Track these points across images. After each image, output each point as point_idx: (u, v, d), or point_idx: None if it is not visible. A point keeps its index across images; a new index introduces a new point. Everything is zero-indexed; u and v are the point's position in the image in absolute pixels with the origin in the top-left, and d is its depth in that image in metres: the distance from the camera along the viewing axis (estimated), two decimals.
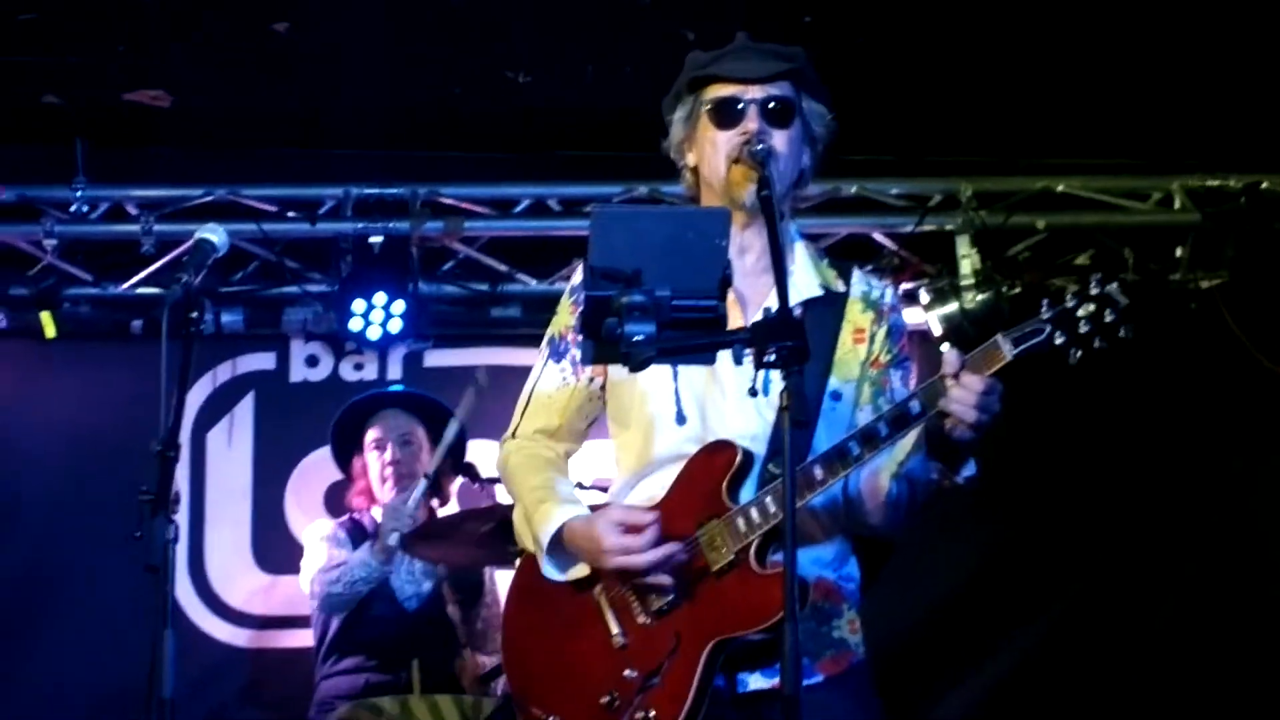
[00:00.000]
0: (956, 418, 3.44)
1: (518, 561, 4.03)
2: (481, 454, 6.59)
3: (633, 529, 3.63)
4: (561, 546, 3.76)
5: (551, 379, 3.95)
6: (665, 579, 3.63)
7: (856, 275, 3.94)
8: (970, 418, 3.43)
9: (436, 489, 6.57)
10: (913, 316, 7.26)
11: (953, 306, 7.17)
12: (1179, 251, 7.41)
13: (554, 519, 3.75)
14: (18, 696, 7.21)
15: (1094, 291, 3.48)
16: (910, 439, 3.64)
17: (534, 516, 3.80)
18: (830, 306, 3.83)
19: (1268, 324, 7.30)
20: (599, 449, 4.04)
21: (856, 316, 3.85)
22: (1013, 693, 7.49)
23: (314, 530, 6.69)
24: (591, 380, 3.92)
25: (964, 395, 3.43)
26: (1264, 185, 7.28)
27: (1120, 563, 7.56)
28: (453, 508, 6.79)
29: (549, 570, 3.79)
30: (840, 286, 3.88)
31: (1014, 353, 3.49)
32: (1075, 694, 7.41)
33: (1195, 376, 7.57)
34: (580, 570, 3.77)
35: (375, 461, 6.65)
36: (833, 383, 3.77)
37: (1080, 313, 3.47)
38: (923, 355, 3.56)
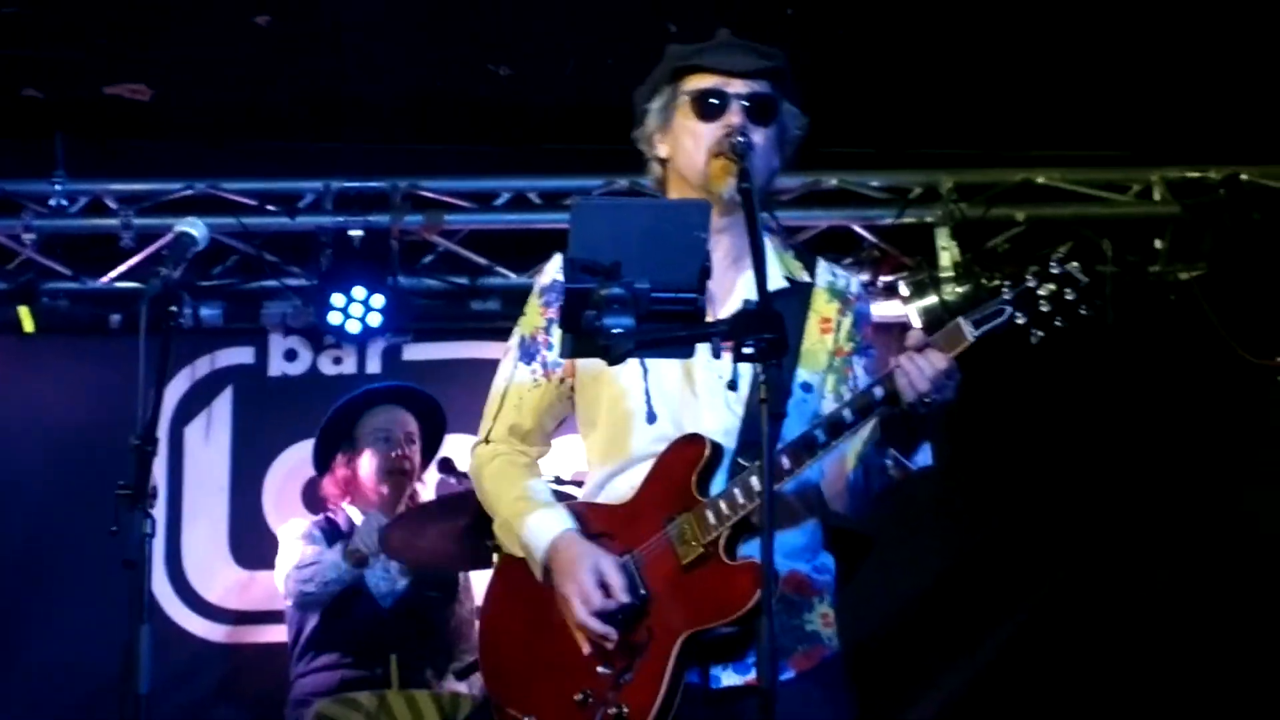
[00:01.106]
0: (905, 387, 3.45)
1: (495, 558, 4.02)
2: (457, 448, 6.59)
3: (604, 588, 3.63)
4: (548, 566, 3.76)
5: (522, 380, 3.94)
6: (601, 636, 3.62)
7: (821, 266, 3.95)
8: (921, 386, 3.43)
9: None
10: (893, 309, 7.29)
11: (932, 299, 7.17)
12: (1158, 243, 7.41)
13: (544, 531, 3.75)
14: None
15: (1054, 271, 3.51)
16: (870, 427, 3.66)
17: (520, 533, 3.80)
18: (796, 297, 3.83)
19: (1246, 316, 7.30)
20: (577, 444, 4.03)
21: (822, 306, 3.86)
22: (990, 686, 7.49)
23: (289, 528, 6.66)
24: (562, 381, 3.91)
25: (915, 368, 3.44)
26: (1243, 177, 7.28)
27: (1099, 556, 7.56)
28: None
29: (544, 575, 3.78)
30: (805, 277, 3.89)
31: (976, 334, 3.50)
32: (1053, 687, 7.41)
33: (1174, 368, 7.58)
34: None
35: (375, 455, 6.61)
36: (802, 374, 3.77)
37: (1041, 292, 3.49)
38: (898, 348, 3.54)
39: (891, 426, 3.55)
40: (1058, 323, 3.49)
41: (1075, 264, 3.51)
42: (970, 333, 3.50)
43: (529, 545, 3.77)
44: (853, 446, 3.70)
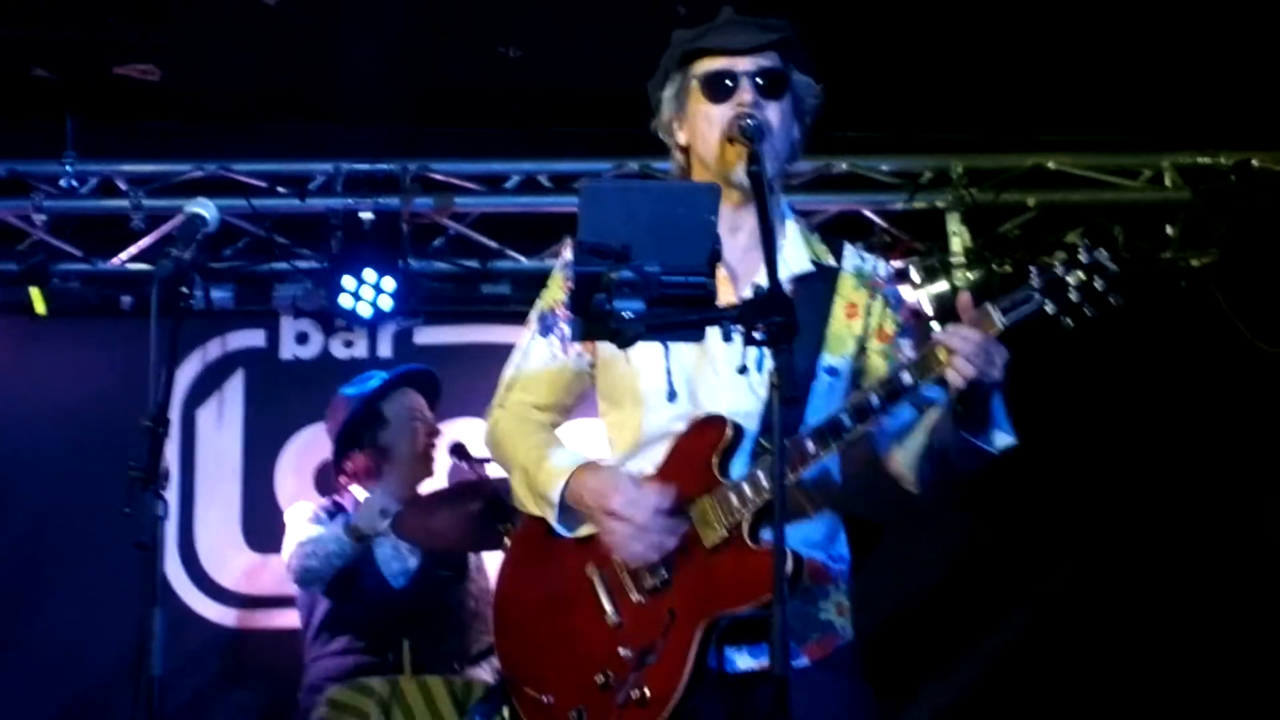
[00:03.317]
0: (954, 362, 3.42)
1: (507, 542, 4.02)
2: (469, 432, 6.59)
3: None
4: (567, 504, 3.74)
5: (540, 354, 3.94)
6: (655, 551, 3.62)
7: (848, 250, 3.93)
8: (969, 371, 3.40)
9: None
10: (904, 294, 7.27)
11: (943, 284, 7.16)
12: (1169, 229, 7.41)
13: (559, 472, 3.74)
14: (6, 673, 7.21)
15: (1083, 259, 3.46)
16: (930, 419, 3.66)
17: (537, 475, 3.78)
18: (822, 282, 3.82)
19: (1258, 302, 7.29)
20: (591, 427, 4.03)
21: (849, 291, 3.85)
22: (1001, 677, 7.48)
23: (296, 511, 6.65)
24: (580, 356, 3.91)
25: (962, 343, 3.41)
26: (1255, 163, 7.26)
27: (1110, 547, 7.54)
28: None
29: (562, 528, 3.77)
30: (831, 262, 3.87)
31: (1005, 321, 3.48)
32: (1065, 679, 7.40)
33: (1185, 355, 7.56)
34: (589, 528, 3.75)
35: (416, 434, 6.62)
36: (826, 358, 3.76)
37: (1070, 280, 3.46)
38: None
39: (954, 411, 3.54)
40: (1087, 311, 3.45)
41: (1104, 251, 3.47)
42: (999, 320, 3.48)
43: (546, 488, 3.74)
44: (917, 442, 3.71)
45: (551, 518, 3.76)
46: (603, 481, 3.67)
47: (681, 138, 3.86)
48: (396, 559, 6.41)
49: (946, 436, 3.60)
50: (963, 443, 3.56)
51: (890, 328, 3.86)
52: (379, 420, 6.63)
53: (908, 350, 3.78)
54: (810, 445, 3.57)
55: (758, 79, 3.72)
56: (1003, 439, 3.60)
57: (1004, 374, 3.47)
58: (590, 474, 3.70)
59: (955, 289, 7.09)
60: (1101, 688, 7.39)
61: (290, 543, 6.43)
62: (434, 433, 6.69)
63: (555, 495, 3.72)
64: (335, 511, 6.52)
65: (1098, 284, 3.45)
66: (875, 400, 3.55)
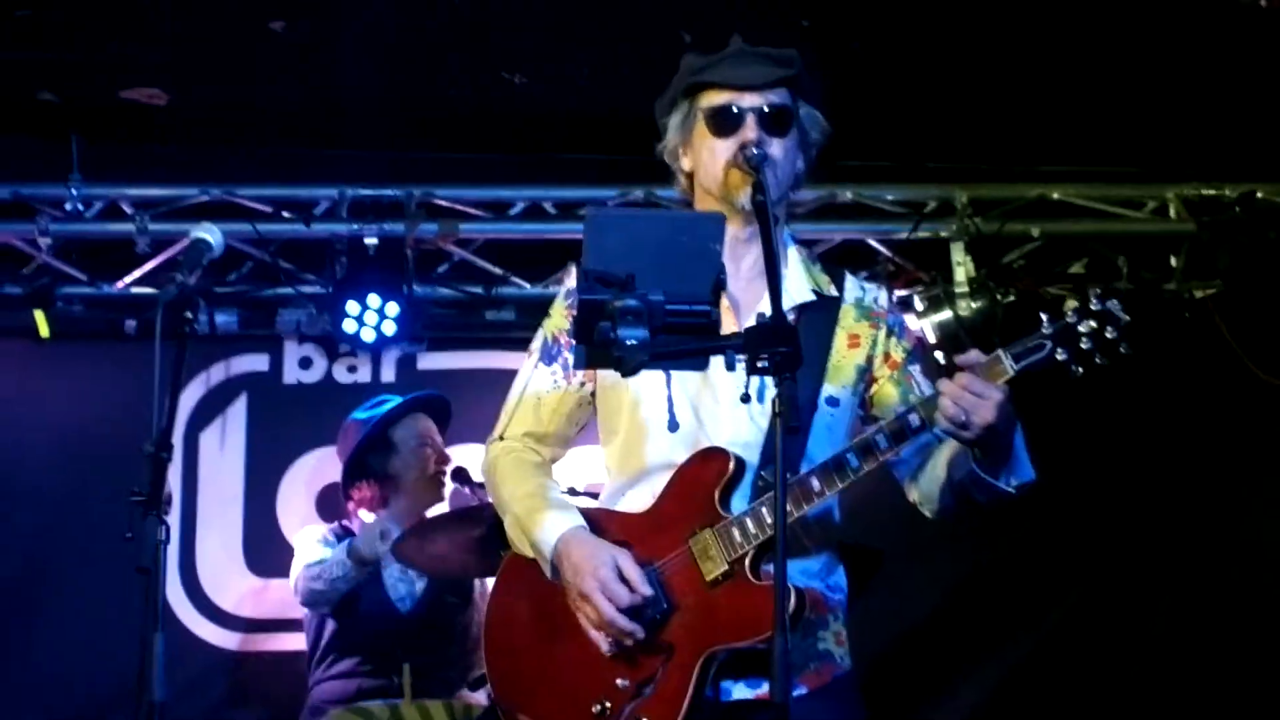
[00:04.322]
0: (943, 412, 3.45)
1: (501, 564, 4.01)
2: (471, 458, 6.58)
3: (626, 583, 3.61)
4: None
5: (542, 382, 3.94)
6: (628, 634, 3.61)
7: (850, 281, 3.93)
8: (949, 412, 3.44)
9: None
10: (907, 324, 7.27)
11: (947, 314, 7.16)
12: (1174, 260, 7.41)
13: (552, 528, 3.74)
14: (7, 697, 7.17)
15: (1095, 307, 3.50)
16: (950, 450, 3.67)
17: (530, 530, 3.78)
18: (823, 311, 3.83)
19: (1262, 334, 7.29)
20: (592, 454, 4.02)
21: (850, 322, 3.85)
22: (1004, 705, 7.47)
23: (305, 534, 6.66)
24: (582, 385, 3.91)
25: (954, 390, 3.45)
26: (1259, 194, 7.27)
27: (1114, 574, 7.54)
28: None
29: (553, 574, 3.76)
30: (833, 291, 3.88)
31: (1016, 368, 3.52)
32: (1066, 705, 7.38)
33: (1189, 386, 7.56)
34: None
35: (426, 461, 6.61)
36: (827, 389, 3.77)
37: (1082, 329, 3.50)
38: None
39: (974, 455, 3.58)
40: (1098, 360, 3.50)
41: (1116, 301, 3.51)
42: (1011, 366, 3.51)
43: (539, 543, 3.75)
44: (934, 478, 3.74)
45: (546, 570, 3.76)
46: (584, 559, 3.65)
47: (686, 164, 3.87)
48: (404, 582, 6.41)
49: (964, 474, 3.63)
50: (979, 480, 3.59)
51: (898, 354, 3.86)
52: (388, 447, 6.63)
53: (918, 375, 3.81)
54: (815, 483, 3.58)
55: (763, 115, 3.73)
56: (1019, 478, 3.63)
57: (1009, 413, 3.48)
58: (576, 546, 3.69)
59: (959, 318, 7.09)
60: (1102, 713, 7.36)
61: (298, 565, 6.43)
62: (444, 460, 6.68)
63: (549, 554, 3.73)
64: (344, 535, 6.51)
65: (1109, 334, 3.49)
66: (882, 441, 3.57)
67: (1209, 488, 7.58)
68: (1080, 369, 3.51)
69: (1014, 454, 3.60)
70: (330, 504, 7.06)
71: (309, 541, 6.52)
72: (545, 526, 3.75)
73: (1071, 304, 3.54)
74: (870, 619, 4.08)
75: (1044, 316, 3.55)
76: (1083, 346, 3.49)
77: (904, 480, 3.88)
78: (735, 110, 3.73)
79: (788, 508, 3.31)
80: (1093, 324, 3.49)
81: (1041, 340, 3.52)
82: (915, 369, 3.83)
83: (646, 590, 3.60)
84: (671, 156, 3.91)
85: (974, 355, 3.55)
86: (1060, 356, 3.50)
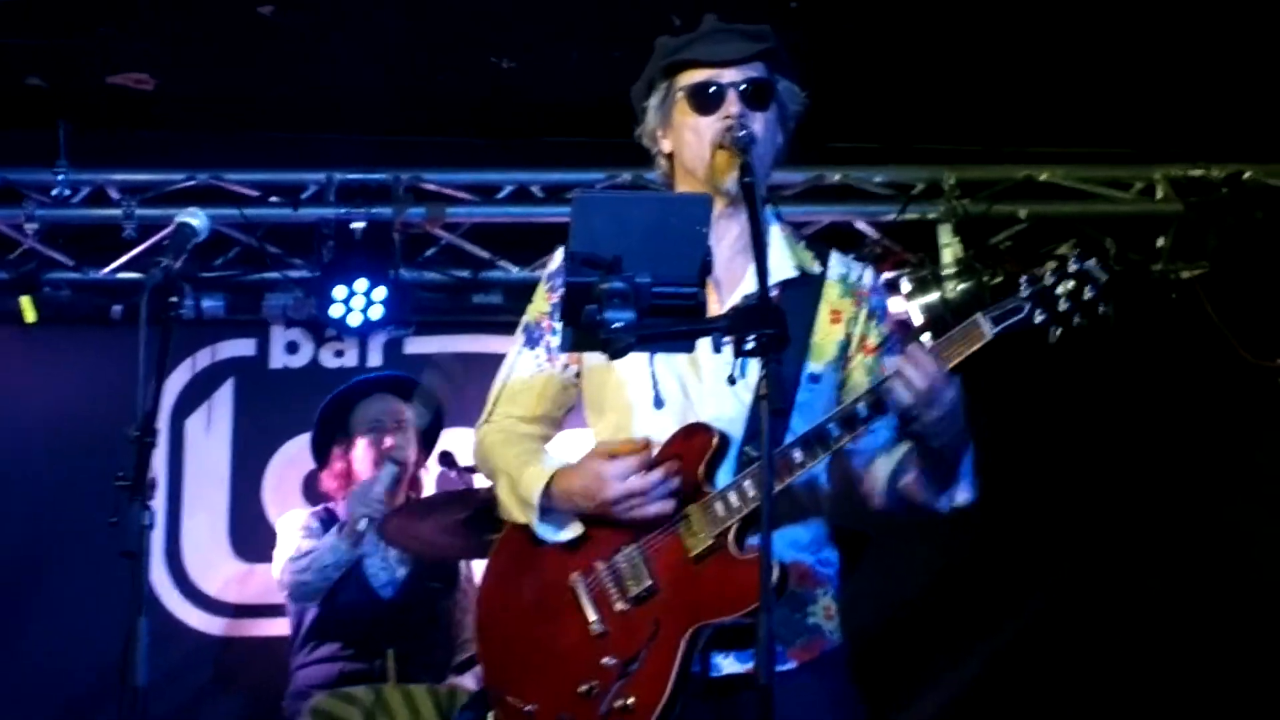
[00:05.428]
0: (900, 391, 3.46)
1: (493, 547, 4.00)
2: (458, 442, 6.58)
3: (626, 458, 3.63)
4: (553, 506, 3.73)
5: (526, 366, 3.94)
6: (668, 505, 3.61)
7: (834, 258, 3.92)
8: (906, 392, 3.44)
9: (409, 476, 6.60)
10: (894, 305, 7.28)
11: (934, 296, 7.16)
12: (1160, 241, 7.40)
13: (542, 476, 3.73)
14: None
15: (1073, 268, 3.49)
16: (903, 451, 3.68)
17: (520, 481, 3.77)
18: (806, 288, 3.82)
19: (1248, 315, 7.30)
20: (578, 438, 4.02)
21: (834, 299, 3.84)
22: (994, 683, 7.48)
23: (288, 520, 6.65)
24: (566, 367, 3.91)
25: (907, 365, 3.46)
26: (1246, 175, 7.28)
27: (1100, 555, 7.55)
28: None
29: (544, 531, 3.75)
30: (816, 268, 3.86)
31: (994, 331, 3.50)
32: (1055, 685, 7.41)
33: (1175, 367, 7.57)
34: (574, 529, 3.74)
35: (368, 446, 6.61)
36: (810, 366, 3.76)
37: (1059, 290, 3.48)
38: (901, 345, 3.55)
39: (921, 456, 3.59)
40: (1077, 320, 3.48)
41: (1094, 261, 3.49)
42: (989, 329, 3.50)
43: (528, 491, 3.72)
44: (886, 463, 3.74)
45: (533, 519, 3.74)
46: (587, 479, 3.65)
47: (666, 146, 3.86)
48: (385, 570, 6.41)
49: (911, 482, 3.68)
50: (918, 491, 3.66)
51: (873, 340, 3.85)
52: (342, 430, 6.68)
53: (890, 366, 3.79)
54: (797, 455, 3.57)
55: (744, 90, 3.72)
56: (956, 499, 3.66)
57: (956, 404, 3.48)
58: (575, 475, 3.69)
59: (946, 300, 7.09)
60: (1091, 694, 7.39)
61: (281, 557, 6.42)
62: (394, 443, 6.57)
63: (536, 497, 3.71)
64: (328, 519, 6.51)
65: (1087, 293, 3.47)
66: (862, 410, 3.56)
67: (1196, 470, 7.60)
68: (1059, 330, 3.49)
69: (959, 472, 3.62)
70: (316, 489, 7.05)
71: (293, 528, 6.50)
72: (535, 474, 3.73)
73: (1050, 265, 3.52)
74: (861, 597, 4.08)
75: (1023, 280, 3.53)
76: (1060, 308, 3.48)
77: (857, 471, 3.87)
78: (716, 87, 3.72)
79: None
80: (1071, 284, 3.47)
81: (1020, 303, 3.51)
82: (890, 360, 3.78)
83: (641, 454, 3.62)
84: (650, 139, 3.90)
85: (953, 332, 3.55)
86: (1039, 318, 3.49)
